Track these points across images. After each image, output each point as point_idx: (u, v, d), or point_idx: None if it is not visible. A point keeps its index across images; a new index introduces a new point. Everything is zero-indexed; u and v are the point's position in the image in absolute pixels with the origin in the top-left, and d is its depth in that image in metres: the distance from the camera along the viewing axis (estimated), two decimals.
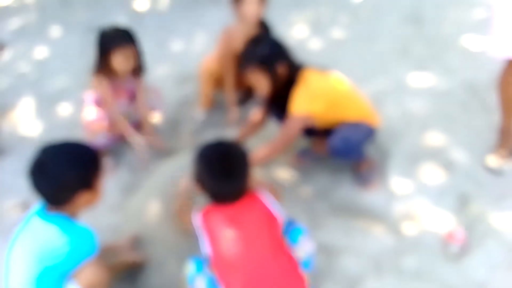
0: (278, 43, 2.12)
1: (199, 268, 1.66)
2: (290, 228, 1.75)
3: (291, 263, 1.63)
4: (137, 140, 2.56)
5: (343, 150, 2.16)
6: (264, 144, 2.19)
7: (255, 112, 2.49)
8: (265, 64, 2.03)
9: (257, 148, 2.17)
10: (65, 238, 1.52)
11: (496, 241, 1.94)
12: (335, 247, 2.06)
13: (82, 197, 1.58)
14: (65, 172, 1.52)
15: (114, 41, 2.39)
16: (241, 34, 2.79)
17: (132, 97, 2.69)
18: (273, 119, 2.44)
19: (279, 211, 1.67)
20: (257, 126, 2.48)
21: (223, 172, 1.61)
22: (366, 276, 1.89)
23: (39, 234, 1.54)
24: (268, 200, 1.68)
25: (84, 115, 2.56)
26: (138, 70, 2.59)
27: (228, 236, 1.58)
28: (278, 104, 2.20)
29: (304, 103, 2.04)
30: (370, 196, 2.33)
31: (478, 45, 3.51)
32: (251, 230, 1.60)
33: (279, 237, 1.65)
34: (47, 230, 1.53)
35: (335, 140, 2.15)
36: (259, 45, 2.06)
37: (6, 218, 2.38)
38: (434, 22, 3.99)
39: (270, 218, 1.64)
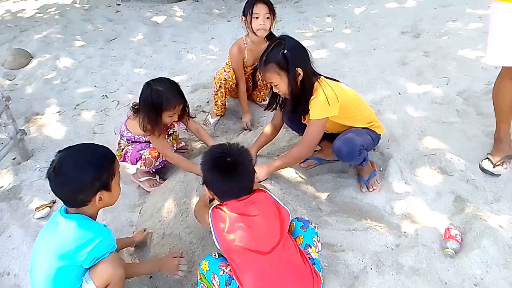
0: (299, 46, 2.09)
1: (213, 266, 1.64)
2: (305, 227, 1.77)
3: (304, 259, 1.64)
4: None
5: (347, 154, 2.15)
6: (289, 149, 2.22)
7: (270, 122, 2.49)
8: (285, 65, 2.00)
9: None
10: (83, 236, 1.51)
11: (490, 241, 1.93)
12: (338, 245, 2.06)
13: (100, 198, 1.57)
14: (82, 175, 1.51)
15: (167, 101, 2.26)
16: (250, 47, 2.84)
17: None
18: (287, 124, 2.46)
19: (285, 207, 1.69)
20: (271, 135, 2.50)
21: (225, 170, 1.62)
22: (367, 272, 1.89)
23: (59, 233, 1.54)
24: (273, 196, 1.69)
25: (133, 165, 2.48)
26: (185, 117, 2.54)
27: (238, 230, 1.57)
28: (295, 105, 2.17)
29: (323, 108, 2.04)
30: (372, 197, 2.33)
31: (474, 56, 3.51)
32: (260, 223, 1.58)
33: (286, 230, 1.65)
34: (66, 229, 1.53)
35: (339, 144, 2.15)
36: (280, 46, 2.01)
37: (34, 217, 2.40)
38: (431, 34, 4.00)
39: (279, 211, 1.64)
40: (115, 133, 2.88)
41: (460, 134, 2.66)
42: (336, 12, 4.80)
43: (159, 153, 2.42)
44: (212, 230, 1.62)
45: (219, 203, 1.69)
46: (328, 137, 2.34)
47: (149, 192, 2.54)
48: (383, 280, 1.84)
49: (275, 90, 2.15)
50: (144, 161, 2.41)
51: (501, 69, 2.20)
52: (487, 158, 2.36)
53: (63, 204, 1.62)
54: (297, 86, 2.06)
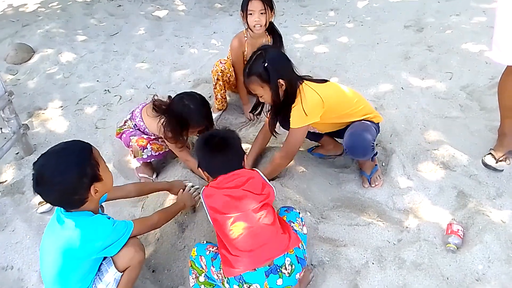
0: (279, 57, 2.10)
1: (201, 250, 1.74)
2: (289, 210, 1.85)
3: (283, 224, 1.72)
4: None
5: (362, 151, 2.16)
6: (274, 156, 2.26)
7: (260, 131, 2.53)
8: (267, 78, 2.02)
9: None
10: (89, 234, 1.53)
11: (493, 236, 1.93)
12: (340, 240, 2.07)
13: (96, 191, 1.55)
14: (67, 177, 1.47)
15: (196, 122, 2.31)
16: (250, 41, 2.84)
17: None
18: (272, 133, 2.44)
19: (271, 185, 1.78)
20: (264, 143, 2.54)
21: (213, 145, 1.78)
22: (369, 267, 1.89)
23: (65, 231, 1.54)
24: (262, 175, 1.79)
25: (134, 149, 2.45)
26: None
27: (223, 201, 1.67)
28: (281, 113, 2.21)
29: (301, 117, 2.06)
30: (374, 192, 2.33)
31: (477, 50, 3.49)
32: (244, 194, 1.67)
33: (271, 204, 1.74)
34: (71, 228, 1.53)
35: (352, 141, 2.15)
36: (261, 58, 2.03)
37: (37, 211, 2.42)
38: (435, 29, 3.97)
39: (264, 186, 1.73)
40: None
41: (463, 129, 2.65)
42: (339, 6, 4.78)
43: (146, 143, 2.41)
44: (204, 207, 1.72)
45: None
46: (327, 134, 2.34)
47: None
48: (385, 275, 1.85)
49: (260, 100, 2.20)
50: (131, 148, 2.42)
51: (505, 66, 2.18)
52: (490, 153, 2.35)
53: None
54: (279, 97, 2.09)
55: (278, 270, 1.58)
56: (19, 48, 4.20)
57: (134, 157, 2.46)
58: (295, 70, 2.13)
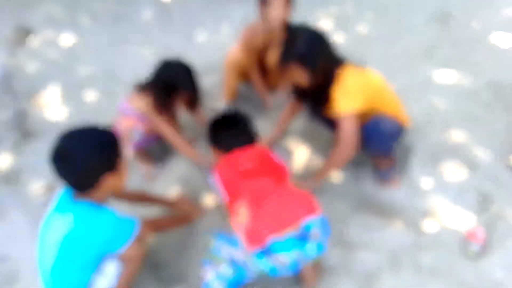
0: (318, 37, 2.03)
1: (219, 239, 1.79)
2: None
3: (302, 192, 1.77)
4: (207, 160, 2.43)
5: (377, 136, 2.11)
6: (331, 152, 2.17)
7: (286, 108, 2.54)
8: (306, 61, 1.97)
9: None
10: (94, 227, 1.54)
11: None
12: (354, 242, 2.07)
13: (108, 181, 1.58)
14: (88, 157, 1.52)
15: (183, 83, 2.33)
16: (263, 33, 2.82)
17: None
18: (307, 113, 2.47)
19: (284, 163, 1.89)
20: (292, 113, 2.55)
21: (224, 122, 1.97)
22: (383, 271, 1.90)
23: (68, 223, 1.55)
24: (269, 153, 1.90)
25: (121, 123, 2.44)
26: (195, 104, 2.58)
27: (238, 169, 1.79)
28: (314, 97, 2.18)
29: (349, 102, 2.00)
30: (390, 193, 2.32)
31: (505, 45, 3.45)
32: (258, 167, 1.78)
33: (286, 178, 1.85)
34: (75, 219, 1.54)
35: (370, 124, 2.10)
36: (298, 40, 1.97)
37: (34, 200, 2.45)
38: (460, 21, 3.93)
39: (278, 162, 1.86)
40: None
41: (487, 128, 2.63)
42: None
43: (132, 123, 2.37)
44: (217, 185, 1.85)
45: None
46: None
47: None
48: (400, 279, 1.85)
49: (299, 82, 2.12)
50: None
51: None
52: None
53: (67, 190, 1.63)
54: (320, 78, 2.03)
55: (306, 236, 1.60)
56: (19, 30, 4.24)
57: (127, 142, 2.41)
58: (334, 49, 2.07)
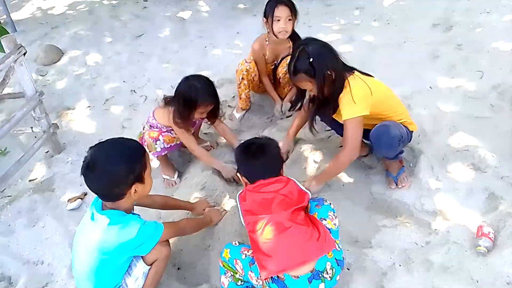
0: (324, 48, 2.05)
1: (235, 252, 1.75)
2: (320, 204, 1.84)
3: (317, 226, 1.71)
4: (229, 168, 2.49)
5: (387, 141, 2.11)
6: (336, 155, 2.20)
7: (296, 117, 2.56)
8: (313, 73, 1.99)
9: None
10: (123, 234, 1.59)
11: None
12: (367, 242, 2.06)
13: (135, 191, 1.63)
14: (116, 170, 1.56)
15: (202, 98, 2.33)
16: (271, 45, 2.86)
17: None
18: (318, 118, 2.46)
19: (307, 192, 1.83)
20: (299, 128, 2.57)
21: (252, 151, 1.86)
22: (395, 269, 1.88)
23: (98, 230, 1.60)
24: (298, 184, 1.83)
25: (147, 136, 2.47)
26: (215, 117, 2.60)
27: (255, 204, 1.73)
28: (323, 104, 2.19)
29: (351, 107, 2.02)
30: (401, 194, 2.30)
31: (509, 49, 3.40)
32: (281, 199, 1.71)
33: (303, 207, 1.78)
34: (105, 226, 1.59)
35: (379, 131, 2.11)
36: (304, 54, 1.99)
37: (66, 208, 2.50)
38: (464, 27, 3.89)
39: (300, 192, 1.78)
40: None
41: (494, 130, 2.59)
42: (364, 4, 4.74)
43: (157, 135, 2.44)
44: (239, 210, 1.80)
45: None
46: None
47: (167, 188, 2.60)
48: (412, 277, 1.83)
49: (309, 93, 2.17)
50: (145, 142, 2.44)
51: None
52: None
53: (97, 199, 1.68)
54: (328, 87, 2.05)
55: (320, 275, 1.59)
56: (49, 50, 4.35)
57: (149, 151, 2.46)
58: (340, 59, 2.09)
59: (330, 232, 1.71)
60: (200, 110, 2.37)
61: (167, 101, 2.48)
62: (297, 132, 2.61)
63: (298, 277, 1.58)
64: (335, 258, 1.64)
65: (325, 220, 1.76)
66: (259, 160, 1.83)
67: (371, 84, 2.07)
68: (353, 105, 2.01)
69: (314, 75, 1.99)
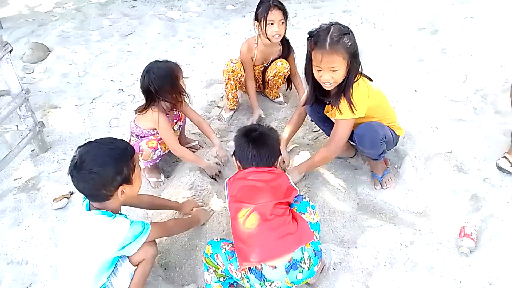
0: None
1: (216, 247, 1.76)
2: (299, 200, 1.84)
3: (296, 219, 1.72)
4: (213, 165, 2.49)
5: (369, 140, 2.11)
6: (320, 149, 2.26)
7: (295, 112, 2.54)
8: (353, 54, 1.93)
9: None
10: (110, 234, 1.57)
11: (506, 240, 1.92)
12: (352, 241, 2.07)
13: (122, 192, 1.61)
14: (104, 171, 1.54)
15: (177, 67, 2.39)
16: (261, 48, 2.85)
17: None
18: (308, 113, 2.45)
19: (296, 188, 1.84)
20: (298, 124, 2.54)
21: (251, 137, 1.84)
22: (380, 268, 1.89)
23: (85, 230, 1.59)
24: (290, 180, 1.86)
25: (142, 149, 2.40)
26: (179, 102, 2.48)
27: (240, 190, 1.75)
28: (326, 95, 2.16)
29: (352, 110, 2.01)
30: (386, 195, 2.32)
31: (492, 53, 3.46)
32: (268, 189, 1.72)
33: (288, 202, 1.79)
34: (92, 227, 1.58)
35: (363, 130, 2.11)
36: (349, 34, 1.92)
37: (52, 207, 2.45)
38: (449, 31, 3.94)
39: (289, 188, 1.79)
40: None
41: (477, 132, 2.63)
42: (352, 8, 4.76)
43: (156, 144, 2.40)
44: (226, 197, 1.82)
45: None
46: None
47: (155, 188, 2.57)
48: (397, 277, 1.84)
49: (326, 77, 1.96)
50: (141, 152, 2.37)
51: None
52: (504, 156, 2.33)
53: (85, 199, 1.66)
54: (348, 79, 1.99)
55: (298, 265, 1.61)
56: (35, 47, 4.27)
57: (144, 160, 2.42)
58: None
59: (309, 225, 1.73)
60: (180, 80, 2.37)
61: (143, 107, 2.40)
62: (290, 139, 2.55)
63: (275, 267, 1.58)
64: (313, 249, 1.66)
65: (304, 214, 1.78)
66: (256, 148, 1.81)
67: (371, 89, 2.08)
68: (353, 107, 2.01)
69: (352, 56, 1.93)
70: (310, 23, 4.53)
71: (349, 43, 1.91)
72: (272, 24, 2.63)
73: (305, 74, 2.16)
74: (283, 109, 3.15)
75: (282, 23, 2.65)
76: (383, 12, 4.59)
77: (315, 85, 2.12)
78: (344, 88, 2.00)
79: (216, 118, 3.12)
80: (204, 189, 2.40)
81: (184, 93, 2.41)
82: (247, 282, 1.64)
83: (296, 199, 1.85)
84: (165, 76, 2.31)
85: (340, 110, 2.04)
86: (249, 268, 1.61)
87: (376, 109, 2.14)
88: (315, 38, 1.94)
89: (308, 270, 1.63)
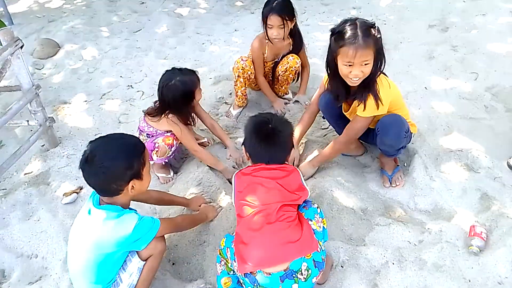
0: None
1: (229, 241, 1.75)
2: (308, 206, 1.79)
3: (303, 226, 1.67)
4: (230, 169, 2.54)
5: (395, 132, 2.09)
6: (332, 141, 2.30)
7: (306, 110, 2.54)
8: (381, 50, 1.94)
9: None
10: (119, 229, 1.58)
11: None
12: (361, 240, 2.06)
13: (132, 187, 1.62)
14: (114, 165, 1.55)
15: (195, 82, 2.47)
16: (271, 44, 2.86)
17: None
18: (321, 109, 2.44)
19: (307, 188, 1.79)
20: (309, 122, 2.53)
21: (263, 133, 1.74)
22: (389, 267, 1.88)
23: (95, 225, 1.59)
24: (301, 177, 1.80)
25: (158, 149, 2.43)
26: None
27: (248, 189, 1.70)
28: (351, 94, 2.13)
29: (376, 108, 2.02)
30: (395, 193, 2.31)
31: (504, 51, 3.42)
32: (278, 188, 1.68)
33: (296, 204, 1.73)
34: (101, 221, 1.58)
35: (388, 121, 2.09)
36: (376, 28, 1.91)
37: (62, 202, 2.47)
38: (460, 28, 3.90)
39: (300, 187, 1.74)
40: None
41: (488, 131, 2.61)
42: (361, 5, 4.74)
43: (172, 141, 2.42)
44: (233, 193, 1.78)
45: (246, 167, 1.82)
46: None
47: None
48: (405, 275, 1.83)
49: (356, 72, 1.92)
50: (157, 149, 2.39)
51: None
52: None
53: (95, 193, 1.67)
54: (373, 74, 1.98)
55: (294, 275, 1.56)
56: (45, 43, 4.30)
57: (159, 157, 2.44)
58: None
59: (314, 234, 1.68)
60: (198, 96, 2.47)
61: (154, 110, 2.45)
62: (302, 137, 2.55)
63: (270, 274, 1.55)
64: (313, 260, 1.60)
65: (311, 221, 1.73)
66: (268, 147, 1.74)
67: (391, 81, 2.08)
68: (377, 105, 2.01)
69: (380, 52, 1.94)
70: (319, 20, 4.51)
71: (378, 36, 1.90)
72: (271, 28, 2.71)
73: (328, 70, 2.13)
74: (292, 106, 3.14)
75: (281, 28, 2.68)
76: (393, 8, 4.56)
77: (342, 80, 2.07)
78: (370, 82, 1.99)
79: (225, 115, 3.12)
80: (212, 186, 2.40)
81: (191, 117, 2.53)
82: (243, 284, 1.65)
83: (304, 204, 1.80)
84: (181, 95, 2.38)
85: (365, 106, 2.03)
86: None
87: (394, 103, 2.13)
88: (344, 34, 1.90)
89: (305, 281, 1.57)
